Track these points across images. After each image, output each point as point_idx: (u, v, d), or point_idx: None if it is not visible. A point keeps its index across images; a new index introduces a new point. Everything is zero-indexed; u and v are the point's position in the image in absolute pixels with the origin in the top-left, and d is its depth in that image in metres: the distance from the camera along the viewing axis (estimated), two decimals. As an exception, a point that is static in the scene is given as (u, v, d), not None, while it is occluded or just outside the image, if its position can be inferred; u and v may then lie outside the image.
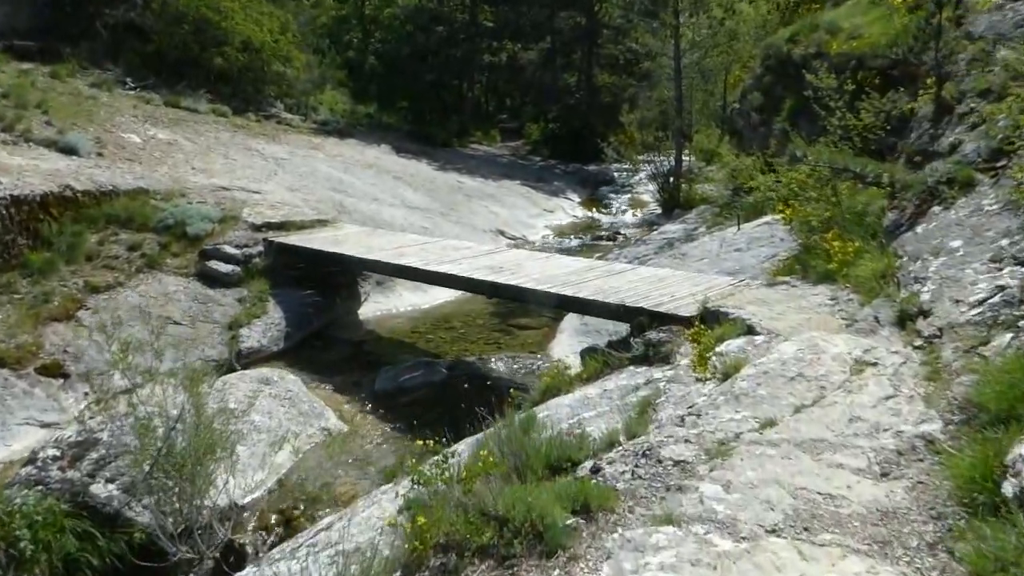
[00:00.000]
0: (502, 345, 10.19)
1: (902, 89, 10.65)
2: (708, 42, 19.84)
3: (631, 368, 6.33)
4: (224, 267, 10.43)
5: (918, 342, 4.54)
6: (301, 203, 13.54)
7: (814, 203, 8.83)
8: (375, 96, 28.95)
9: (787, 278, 7.27)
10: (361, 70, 30.27)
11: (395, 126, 26.51)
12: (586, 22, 28.82)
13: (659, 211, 19.87)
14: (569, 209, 20.73)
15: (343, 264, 10.23)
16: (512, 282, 7.97)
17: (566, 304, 7.63)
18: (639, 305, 6.84)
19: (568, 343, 9.78)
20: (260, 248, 11.09)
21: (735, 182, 15.30)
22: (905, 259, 6.23)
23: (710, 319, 6.33)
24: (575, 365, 9.20)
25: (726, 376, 4.67)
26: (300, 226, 11.99)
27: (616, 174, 25.73)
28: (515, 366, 9.29)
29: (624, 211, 21.29)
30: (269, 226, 11.68)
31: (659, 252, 14.30)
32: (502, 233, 16.67)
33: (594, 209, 21.22)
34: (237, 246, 10.89)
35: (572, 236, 17.58)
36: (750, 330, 5.68)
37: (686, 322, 6.46)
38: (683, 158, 21.07)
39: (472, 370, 9.19)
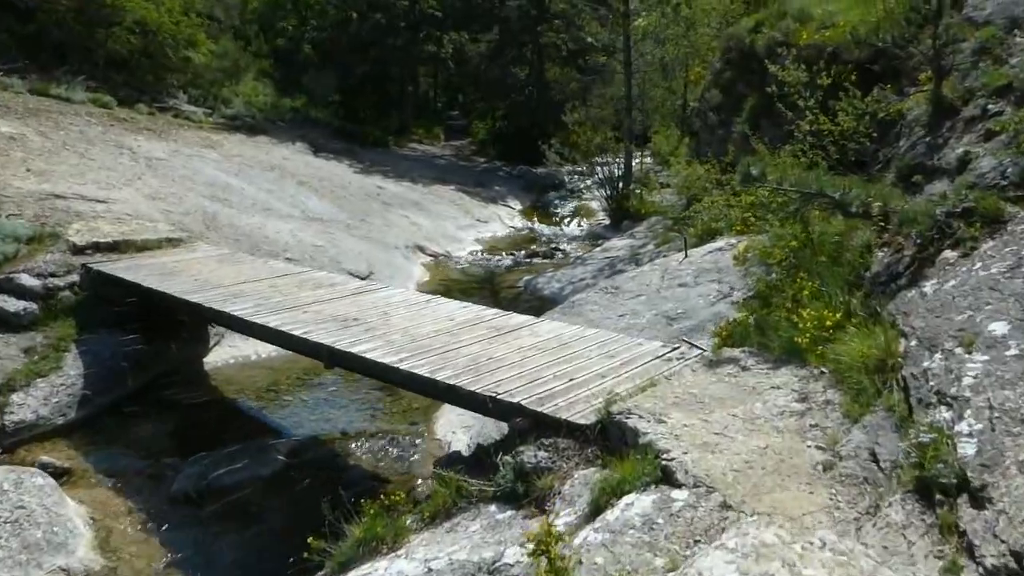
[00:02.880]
0: (378, 412, 7.85)
1: (888, 86, 8.55)
2: (663, 33, 17.63)
3: (492, 510, 4.07)
4: (15, 304, 7.95)
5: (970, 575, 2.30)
6: (159, 216, 11.06)
7: (776, 228, 6.68)
8: (306, 88, 26.33)
9: (737, 352, 5.05)
10: (293, 59, 27.63)
11: (324, 121, 23.96)
12: (535, 12, 26.44)
13: (607, 222, 17.67)
14: (507, 218, 18.42)
15: (165, 303, 7.80)
16: (356, 348, 5.64)
17: (421, 388, 5.31)
18: (515, 400, 4.54)
19: (458, 413, 7.48)
20: (75, 277, 8.63)
21: (688, 192, 13.17)
22: (914, 343, 4.02)
23: (613, 435, 4.09)
24: (461, 444, 6.96)
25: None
26: (141, 247, 9.54)
27: (566, 177, 23.49)
28: (383, 448, 6.97)
29: (569, 221, 19.04)
30: (97, 247, 9.22)
31: (597, 276, 12.14)
32: (421, 249, 14.31)
33: (535, 218, 18.94)
34: (40, 275, 8.40)
35: (504, 252, 15.27)
36: (666, 476, 3.43)
37: (579, 434, 4.21)
38: (637, 161, 18.92)
39: (322, 456, 6.84)
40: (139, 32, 18.52)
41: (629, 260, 12.65)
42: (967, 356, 3.51)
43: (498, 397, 4.63)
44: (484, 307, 6.82)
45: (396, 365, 5.28)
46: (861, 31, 9.59)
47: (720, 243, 9.45)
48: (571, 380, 4.85)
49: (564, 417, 4.30)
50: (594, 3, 21.84)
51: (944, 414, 3.15)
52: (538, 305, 11.13)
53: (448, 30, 28.09)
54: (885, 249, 5.77)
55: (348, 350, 5.61)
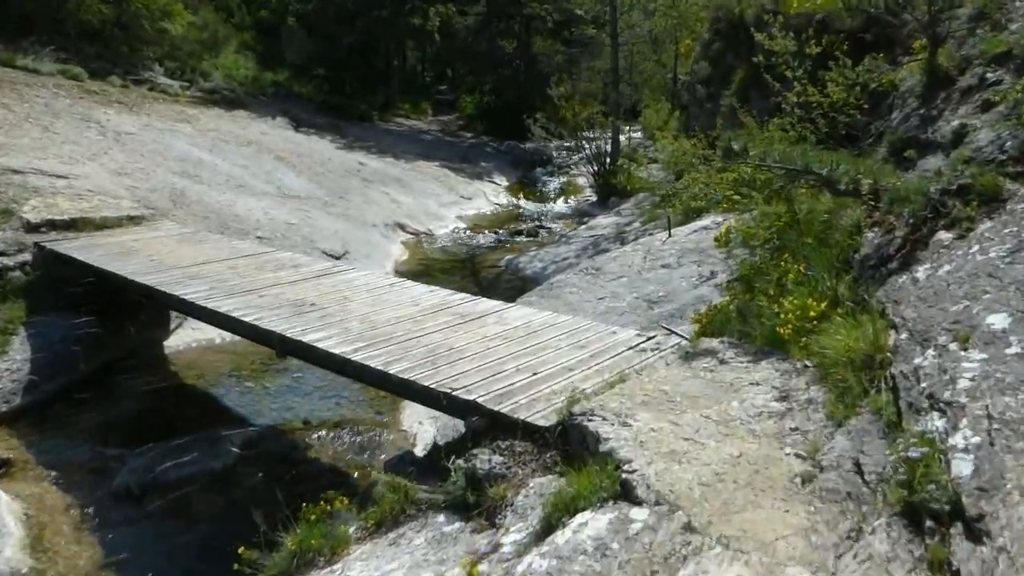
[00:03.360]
0: (343, 400, 7.48)
1: (880, 55, 8.13)
2: (651, 3, 17.06)
3: (440, 520, 3.71)
4: (-41, 287, 7.54)
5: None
6: (124, 192, 10.59)
7: (762, 207, 6.30)
8: (289, 62, 25.63)
9: (716, 343, 4.67)
10: (276, 32, 26.89)
11: (307, 96, 23.32)
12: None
13: (594, 198, 17.23)
14: (492, 195, 17.96)
15: (118, 284, 7.38)
16: (308, 337, 5.25)
17: (375, 381, 4.93)
18: (472, 398, 4.17)
19: (426, 401, 7.12)
20: (27, 257, 8.21)
21: (675, 168, 12.74)
22: (904, 336, 3.65)
23: (574, 439, 3.72)
24: (427, 436, 6.61)
25: None
26: (100, 225, 9.09)
27: (555, 153, 22.99)
28: (345, 439, 6.61)
29: (556, 198, 18.60)
30: (52, 225, 8.78)
31: (580, 256, 11.76)
32: (401, 227, 13.88)
33: (522, 195, 18.49)
34: (-11, 256, 7.99)
35: (488, 230, 14.84)
36: (626, 491, 3.06)
37: (538, 437, 3.84)
38: (625, 137, 18.45)
39: (280, 448, 6.48)
40: (112, 1, 17.85)
41: (614, 239, 12.26)
42: (963, 353, 3.14)
43: (453, 394, 4.25)
44: (452, 291, 6.43)
45: (348, 356, 4.90)
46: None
47: (706, 221, 9.07)
48: (535, 374, 4.47)
49: (522, 417, 3.92)
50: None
51: (937, 422, 2.78)
52: (519, 285, 10.76)
53: (435, 2, 27.35)
54: (875, 229, 5.38)
55: (299, 339, 5.22)
